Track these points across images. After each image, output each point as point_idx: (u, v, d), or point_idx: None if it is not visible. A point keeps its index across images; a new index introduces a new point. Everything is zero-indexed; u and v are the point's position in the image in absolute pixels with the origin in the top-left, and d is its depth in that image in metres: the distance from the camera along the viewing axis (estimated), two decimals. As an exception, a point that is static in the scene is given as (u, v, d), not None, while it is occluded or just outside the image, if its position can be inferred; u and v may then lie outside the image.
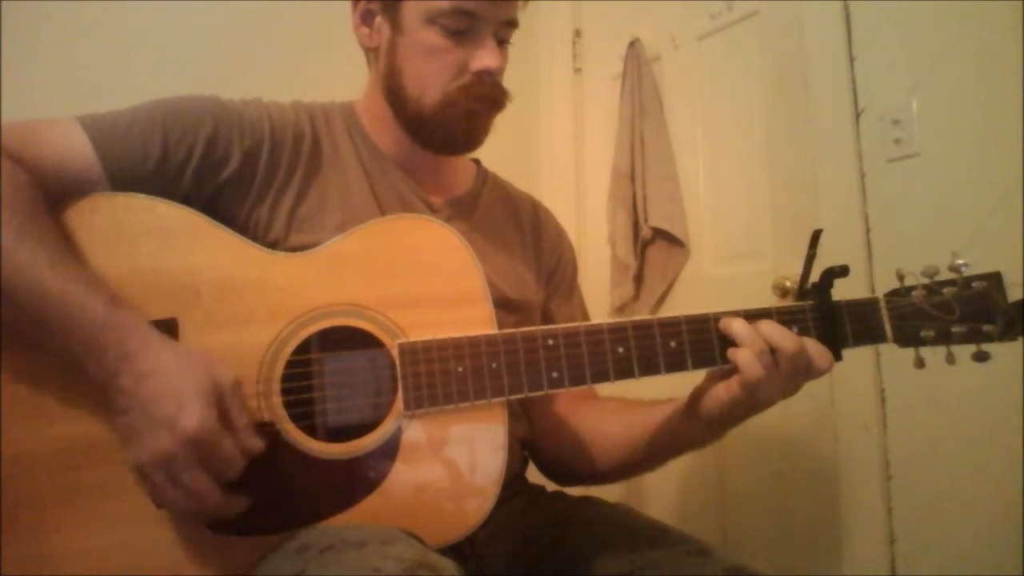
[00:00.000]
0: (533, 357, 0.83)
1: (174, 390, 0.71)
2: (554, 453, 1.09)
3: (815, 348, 0.84)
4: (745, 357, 0.82)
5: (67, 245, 0.78)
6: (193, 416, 0.70)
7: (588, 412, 1.06)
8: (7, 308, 0.75)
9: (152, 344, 0.74)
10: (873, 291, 1.33)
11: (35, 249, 0.74)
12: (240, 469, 0.74)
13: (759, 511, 1.56)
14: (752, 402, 0.84)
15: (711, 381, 0.88)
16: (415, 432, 0.82)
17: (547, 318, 1.12)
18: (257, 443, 0.75)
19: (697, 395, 0.90)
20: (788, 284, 1.48)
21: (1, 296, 0.74)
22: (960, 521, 1.24)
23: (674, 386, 0.92)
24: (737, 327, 0.84)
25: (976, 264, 0.86)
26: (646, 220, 1.78)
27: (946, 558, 1.25)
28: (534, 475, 1.12)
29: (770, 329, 0.83)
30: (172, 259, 0.82)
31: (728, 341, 0.85)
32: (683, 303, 1.76)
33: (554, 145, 2.13)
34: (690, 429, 0.93)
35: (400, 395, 0.82)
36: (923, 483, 1.30)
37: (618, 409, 1.04)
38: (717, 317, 0.86)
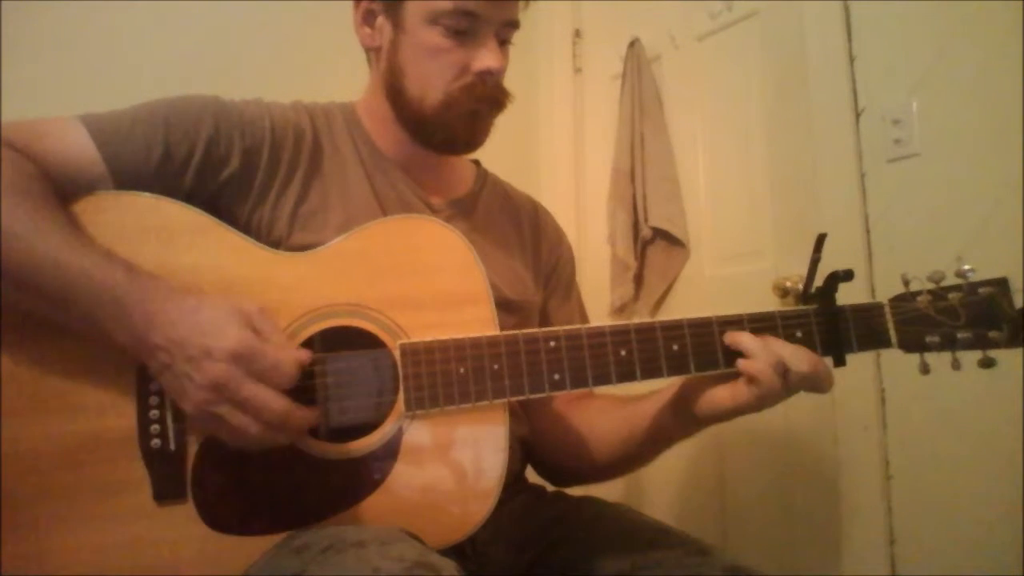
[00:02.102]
0: (535, 359, 0.83)
1: (204, 323, 0.72)
2: (551, 453, 1.09)
3: (823, 368, 0.85)
4: (762, 369, 0.82)
5: (78, 224, 0.79)
6: (229, 336, 0.71)
7: (581, 411, 1.06)
8: (27, 291, 0.75)
9: (173, 299, 0.75)
10: (872, 291, 1.34)
11: (49, 228, 0.75)
12: (294, 376, 0.74)
13: (759, 511, 1.56)
14: (758, 408, 0.85)
15: (707, 381, 0.88)
16: (416, 433, 0.82)
17: (545, 319, 1.12)
18: (303, 352, 0.76)
19: (689, 393, 0.90)
20: (788, 284, 1.48)
21: (19, 279, 0.75)
22: (960, 521, 1.24)
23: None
24: (747, 342, 0.84)
25: (976, 264, 0.86)
26: (646, 220, 1.78)
27: (946, 558, 1.25)
28: (534, 475, 1.12)
29: (782, 349, 0.84)
30: (175, 257, 0.82)
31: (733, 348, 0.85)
32: (683, 303, 1.76)
33: (554, 145, 2.13)
34: (678, 425, 0.94)
35: (401, 395, 0.82)
36: (923, 483, 1.30)
37: (608, 407, 1.04)
38: (720, 320, 0.86)
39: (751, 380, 0.83)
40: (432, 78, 0.95)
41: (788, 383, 0.83)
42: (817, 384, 0.84)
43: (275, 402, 0.72)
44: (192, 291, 0.77)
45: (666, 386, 0.94)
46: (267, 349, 0.73)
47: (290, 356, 0.74)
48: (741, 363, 0.84)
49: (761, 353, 0.83)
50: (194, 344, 0.71)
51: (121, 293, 0.74)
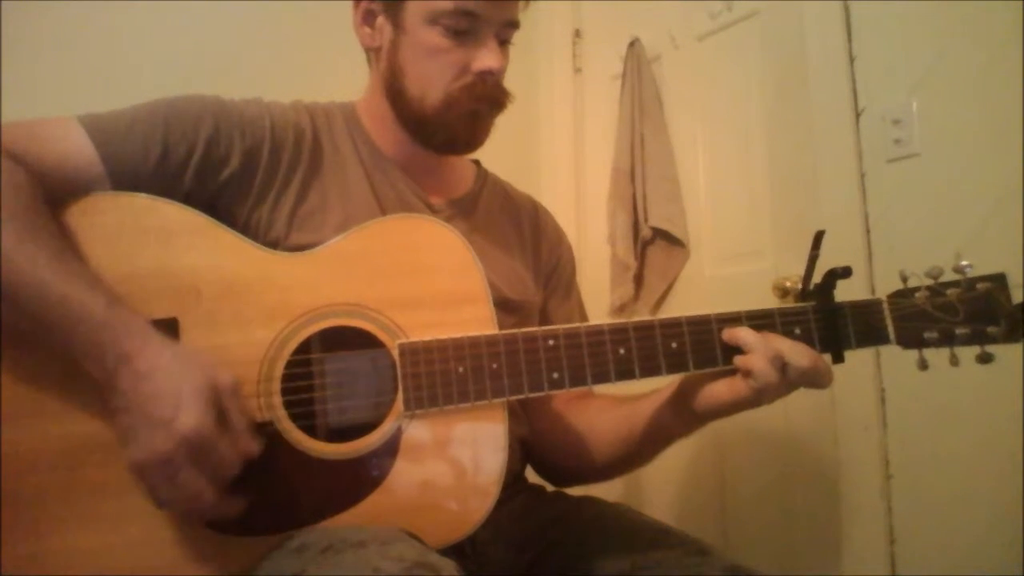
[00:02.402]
0: (534, 357, 0.83)
1: (172, 391, 0.71)
2: (549, 452, 1.09)
3: (822, 364, 0.85)
4: (759, 363, 0.82)
5: (67, 244, 0.78)
6: (190, 418, 0.70)
7: (581, 410, 1.06)
8: (8, 309, 0.75)
9: (151, 344, 0.74)
10: (873, 291, 1.34)
11: (34, 250, 0.74)
12: (235, 471, 0.74)
13: (759, 511, 1.56)
14: (756, 403, 0.85)
15: (707, 377, 0.88)
16: (415, 432, 0.82)
17: (545, 318, 1.12)
18: (254, 446, 0.75)
19: (688, 389, 0.90)
20: (788, 284, 1.48)
21: (3, 296, 0.74)
22: (960, 521, 1.24)
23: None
24: (745, 336, 0.84)
25: (976, 264, 0.86)
26: (646, 220, 1.78)
27: (946, 558, 1.25)
28: (534, 475, 1.12)
29: (781, 344, 0.84)
30: (173, 259, 0.82)
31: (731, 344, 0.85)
32: (683, 303, 1.76)
33: (554, 145, 2.13)
34: (678, 422, 0.94)
35: (400, 395, 0.82)
36: (923, 483, 1.30)
37: (607, 406, 1.04)
38: (719, 318, 0.86)
39: (748, 374, 0.83)
40: (432, 78, 0.95)
41: (787, 378, 0.83)
42: (816, 379, 0.84)
43: (205, 494, 0.71)
44: (169, 344, 0.75)
45: (666, 385, 0.94)
46: (219, 445, 0.71)
47: (239, 452, 0.73)
48: (738, 358, 0.84)
49: (759, 347, 0.83)
50: (155, 411, 0.70)
51: (97, 326, 0.73)
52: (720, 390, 0.86)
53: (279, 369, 0.81)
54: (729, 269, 1.68)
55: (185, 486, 0.71)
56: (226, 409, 0.73)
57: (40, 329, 0.75)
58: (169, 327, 0.79)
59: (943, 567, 1.25)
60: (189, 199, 0.87)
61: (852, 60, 1.43)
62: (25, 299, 0.73)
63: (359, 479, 0.81)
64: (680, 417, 0.93)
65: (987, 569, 1.19)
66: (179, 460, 0.70)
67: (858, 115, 1.42)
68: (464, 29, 0.93)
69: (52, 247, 0.75)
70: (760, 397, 0.84)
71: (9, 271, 0.73)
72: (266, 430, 0.78)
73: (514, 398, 0.83)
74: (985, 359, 0.84)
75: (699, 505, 1.69)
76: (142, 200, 0.84)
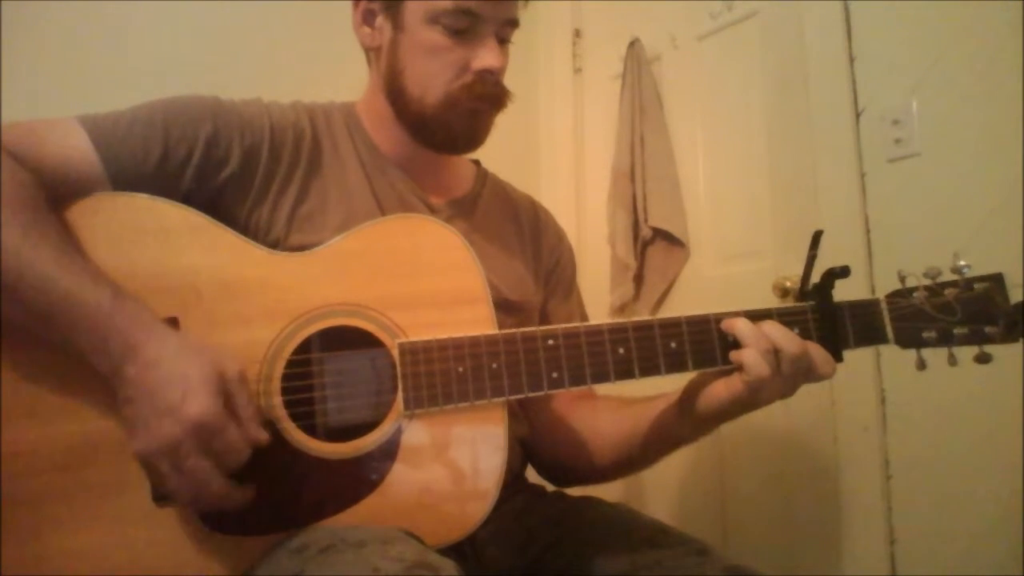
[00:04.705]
0: (533, 357, 0.83)
1: (179, 378, 0.71)
2: (551, 453, 1.09)
3: (818, 353, 0.84)
4: (751, 357, 0.82)
5: (70, 240, 0.78)
6: (198, 403, 0.70)
7: (583, 411, 1.06)
8: (13, 304, 0.75)
9: (157, 334, 0.74)
10: (873, 291, 1.34)
11: (39, 244, 0.74)
12: (244, 459, 0.73)
13: (759, 511, 1.56)
14: (753, 401, 0.84)
15: (707, 378, 0.88)
16: (415, 432, 0.82)
17: (545, 318, 1.12)
18: (263, 434, 0.75)
19: (691, 392, 0.90)
20: (788, 284, 1.48)
21: (6, 292, 0.74)
22: (960, 521, 1.24)
23: (674, 385, 0.92)
24: (741, 327, 0.84)
25: (976, 264, 0.86)
26: (646, 220, 1.78)
27: (946, 558, 1.25)
28: (534, 475, 1.12)
29: (773, 330, 0.83)
30: (173, 258, 0.82)
31: (729, 342, 0.85)
32: (683, 303, 1.76)
33: (554, 145, 2.13)
34: (682, 426, 0.93)
35: (400, 395, 0.82)
36: (923, 483, 1.30)
37: (611, 407, 1.04)
38: (718, 318, 0.86)
39: (743, 368, 0.83)
40: (432, 77, 0.95)
41: (781, 370, 0.82)
42: (812, 368, 0.84)
43: (214, 483, 0.72)
44: (175, 334, 0.76)
45: (674, 389, 0.94)
46: (228, 429, 0.72)
47: (248, 439, 0.73)
48: (733, 353, 0.84)
49: (752, 340, 0.82)
50: (162, 397, 0.70)
51: (103, 318, 0.73)
52: (718, 389, 0.86)
53: (279, 369, 0.81)
54: (729, 269, 1.68)
55: (192, 473, 0.70)
56: (233, 397, 0.73)
57: (45, 324, 0.75)
58: (169, 327, 0.79)
59: (943, 567, 1.25)
60: (189, 199, 0.87)
61: (852, 60, 1.43)
62: (30, 294, 0.73)
63: (359, 479, 0.81)
64: (684, 420, 0.92)
65: (987, 569, 1.19)
66: (187, 446, 0.70)
67: (858, 115, 1.42)
68: (464, 28, 0.94)
69: (56, 243, 0.76)
70: (756, 393, 0.83)
71: (14, 266, 0.73)
72: (266, 430, 0.78)
73: (514, 398, 0.83)
74: (983, 359, 0.84)
75: (699, 505, 1.69)
76: (142, 200, 0.84)
